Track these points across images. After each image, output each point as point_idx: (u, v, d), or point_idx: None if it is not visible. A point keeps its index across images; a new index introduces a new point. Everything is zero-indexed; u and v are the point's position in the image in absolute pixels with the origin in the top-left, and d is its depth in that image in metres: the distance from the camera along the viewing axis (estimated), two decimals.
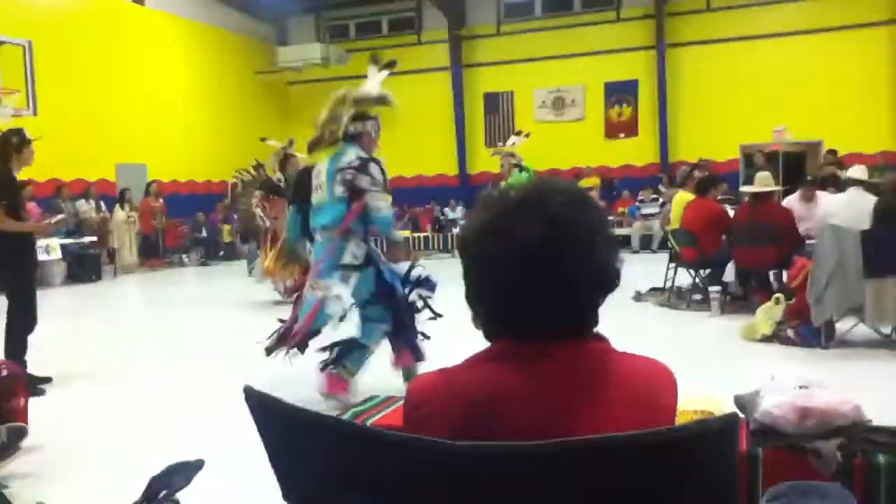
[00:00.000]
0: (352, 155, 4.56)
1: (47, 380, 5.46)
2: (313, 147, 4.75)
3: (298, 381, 5.01)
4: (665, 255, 9.29)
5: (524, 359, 1.15)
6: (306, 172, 4.97)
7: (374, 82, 4.97)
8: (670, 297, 8.20)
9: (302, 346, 4.77)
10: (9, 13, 12.37)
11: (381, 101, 4.89)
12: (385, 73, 5.11)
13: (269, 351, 4.89)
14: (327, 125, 4.66)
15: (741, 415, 3.42)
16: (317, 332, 4.72)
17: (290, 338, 4.73)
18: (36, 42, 12.17)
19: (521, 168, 9.92)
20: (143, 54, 16.40)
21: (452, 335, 5.77)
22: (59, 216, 7.65)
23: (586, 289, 1.17)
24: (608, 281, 1.20)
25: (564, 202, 1.17)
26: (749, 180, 9.25)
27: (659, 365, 1.21)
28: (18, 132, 5.65)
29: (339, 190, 4.52)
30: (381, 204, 4.53)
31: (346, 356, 4.78)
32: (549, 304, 1.15)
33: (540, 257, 1.13)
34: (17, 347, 5.31)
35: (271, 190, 9.23)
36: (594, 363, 1.16)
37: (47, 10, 14.06)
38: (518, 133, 11.18)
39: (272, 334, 5.02)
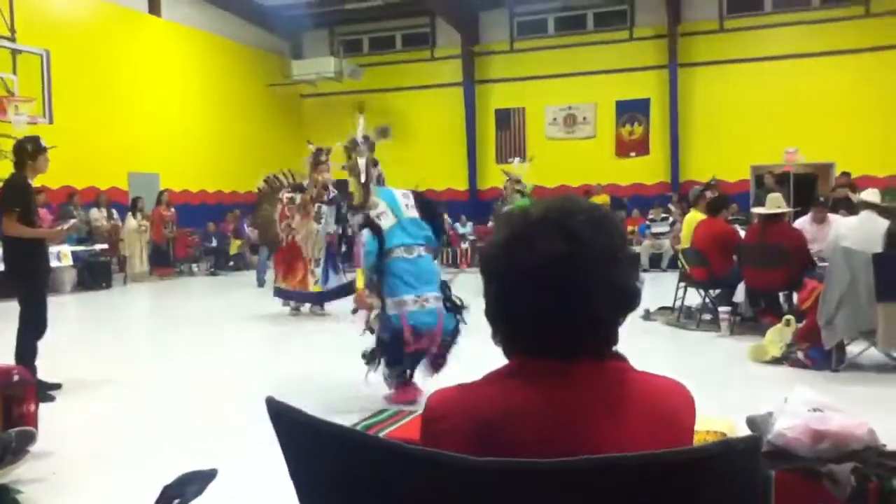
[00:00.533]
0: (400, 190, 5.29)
1: (57, 386, 5.47)
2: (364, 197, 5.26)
3: (307, 390, 5.02)
4: (674, 274, 9.27)
5: (540, 377, 1.15)
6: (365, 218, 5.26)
7: (360, 127, 5.56)
8: (679, 316, 8.17)
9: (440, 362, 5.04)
10: (28, 23, 12.51)
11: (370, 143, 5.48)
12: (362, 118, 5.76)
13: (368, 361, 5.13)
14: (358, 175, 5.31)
15: None
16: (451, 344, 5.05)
17: (433, 356, 5.02)
18: (53, 51, 12.30)
19: (522, 194, 10.42)
20: (158, 65, 16.54)
21: (473, 351, 5.81)
22: (71, 221, 7.69)
23: (605, 307, 1.17)
24: (627, 300, 1.20)
25: (585, 220, 1.17)
26: (759, 201, 9.24)
27: (677, 385, 1.21)
28: (34, 140, 5.71)
29: (414, 213, 5.15)
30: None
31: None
32: (567, 322, 1.15)
33: (559, 275, 1.13)
34: (27, 353, 5.32)
35: (317, 199, 9.12)
36: (612, 382, 1.16)
37: (65, 21, 14.21)
38: (529, 159, 11.49)
39: (370, 352, 5.11)
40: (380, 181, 5.39)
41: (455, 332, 5.03)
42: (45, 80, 12.09)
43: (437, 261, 5.44)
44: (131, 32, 15.87)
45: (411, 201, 5.20)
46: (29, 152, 5.51)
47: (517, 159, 11.36)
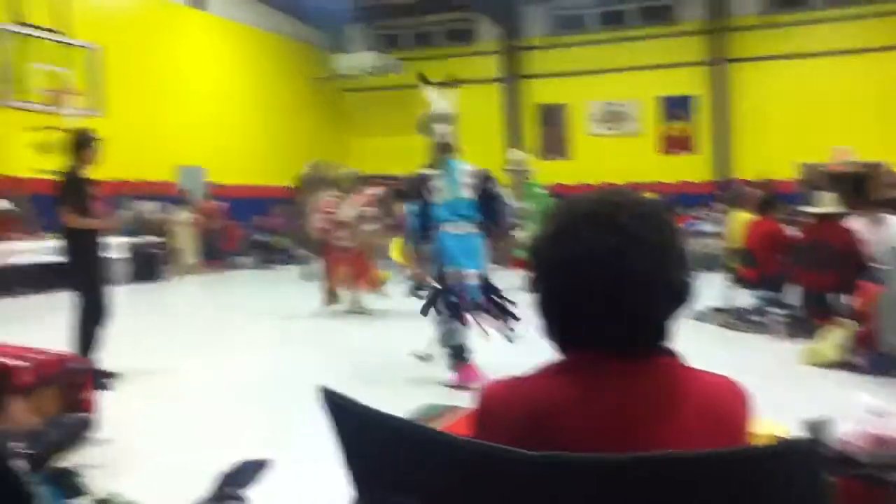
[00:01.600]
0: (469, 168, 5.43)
1: (114, 375, 5.56)
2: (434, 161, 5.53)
3: (354, 385, 5.05)
4: (722, 275, 9.13)
5: (592, 372, 1.15)
6: (420, 179, 5.53)
7: (441, 99, 5.76)
8: (730, 318, 8.04)
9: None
10: (81, 19, 12.76)
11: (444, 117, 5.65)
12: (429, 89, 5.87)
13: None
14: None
15: None
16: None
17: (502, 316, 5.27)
18: (105, 46, 12.55)
19: (531, 183, 10.38)
20: (205, 59, 16.80)
21: (524, 345, 5.80)
22: (120, 212, 7.83)
23: (655, 302, 1.16)
24: (679, 296, 1.19)
25: (634, 214, 1.16)
26: (809, 200, 9.05)
27: (732, 382, 1.19)
28: (81, 131, 5.85)
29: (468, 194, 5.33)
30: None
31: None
32: (617, 318, 1.14)
33: (608, 269, 1.13)
34: (87, 342, 5.40)
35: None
36: (664, 379, 1.15)
37: (116, 16, 14.49)
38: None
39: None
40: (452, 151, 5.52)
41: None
42: (97, 75, 12.33)
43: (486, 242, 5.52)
44: (180, 27, 16.13)
45: (468, 179, 5.34)
46: (79, 145, 5.64)
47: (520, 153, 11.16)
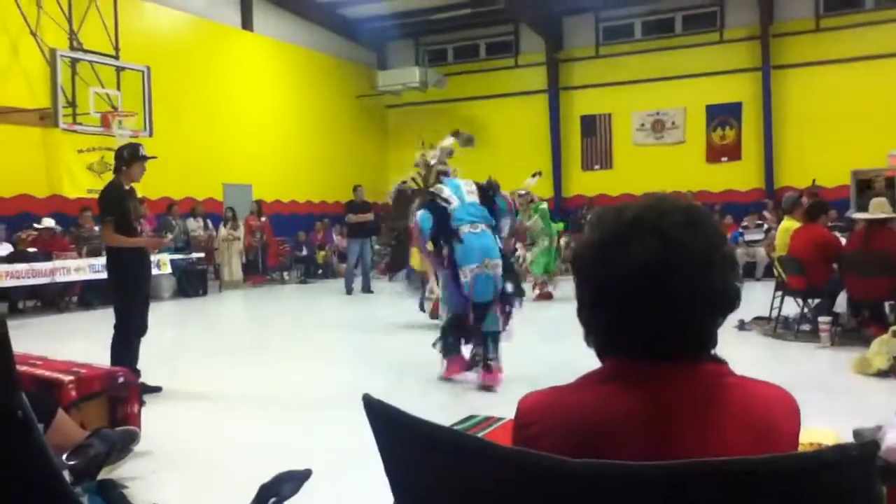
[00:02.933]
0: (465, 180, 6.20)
1: (157, 389, 5.62)
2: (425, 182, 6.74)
3: (397, 397, 5.06)
4: (769, 283, 8.95)
5: (635, 381, 1.13)
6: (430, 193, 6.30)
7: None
8: (776, 327, 7.87)
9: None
10: (131, 41, 13.11)
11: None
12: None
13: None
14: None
15: None
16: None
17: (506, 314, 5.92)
18: (153, 67, 12.86)
19: (534, 203, 11.35)
20: (251, 78, 17.09)
21: (564, 354, 5.77)
22: (170, 235, 7.93)
23: (702, 309, 1.13)
24: (726, 301, 1.16)
25: (681, 220, 1.14)
26: (862, 207, 8.83)
27: (780, 391, 1.16)
28: (131, 147, 5.75)
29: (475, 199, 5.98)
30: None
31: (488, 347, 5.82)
32: (663, 324, 1.12)
33: (654, 275, 1.10)
34: (125, 356, 5.34)
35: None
36: (709, 386, 1.12)
37: (165, 38, 14.85)
38: (534, 175, 11.96)
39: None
40: (449, 174, 6.41)
41: (512, 296, 5.97)
42: (146, 95, 12.65)
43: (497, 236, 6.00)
44: (225, 47, 16.46)
45: (472, 188, 5.99)
46: (125, 159, 5.57)
47: (528, 178, 11.59)
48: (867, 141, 15.54)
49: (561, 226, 12.19)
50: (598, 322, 1.20)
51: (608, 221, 1.19)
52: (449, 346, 5.95)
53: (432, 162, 6.77)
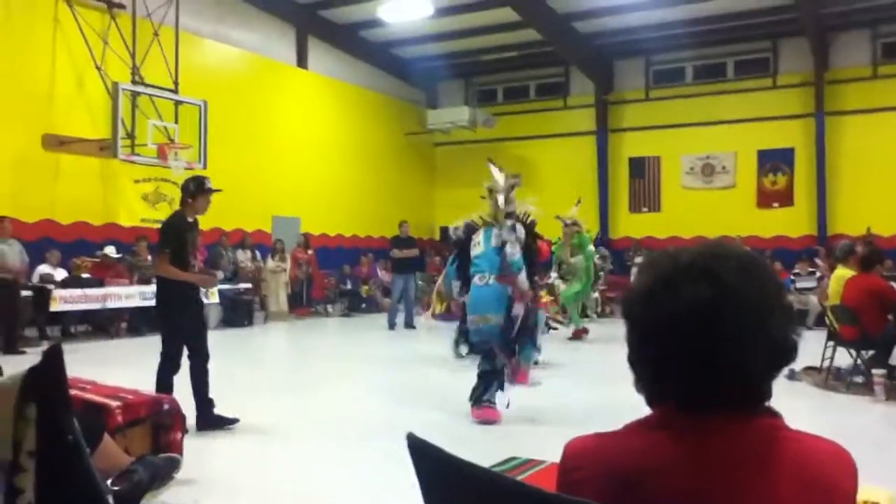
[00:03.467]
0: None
1: (235, 420, 5.60)
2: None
3: (434, 435, 5.03)
4: (821, 332, 8.73)
5: (684, 431, 1.10)
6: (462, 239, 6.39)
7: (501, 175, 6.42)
8: (828, 378, 7.66)
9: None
10: (189, 76, 13.51)
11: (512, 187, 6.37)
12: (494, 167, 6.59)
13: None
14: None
15: None
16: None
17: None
18: (210, 101, 13.23)
19: (581, 235, 11.15)
20: (303, 114, 17.44)
21: (615, 399, 5.70)
22: (220, 274, 7.98)
23: (755, 359, 1.10)
24: (782, 353, 1.13)
25: (735, 267, 1.12)
26: None
27: (838, 448, 1.12)
28: (198, 180, 5.82)
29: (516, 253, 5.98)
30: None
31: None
32: (714, 374, 1.09)
33: (706, 323, 1.08)
34: (163, 389, 5.30)
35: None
36: (763, 441, 1.09)
37: (221, 73, 15.26)
38: (577, 203, 11.79)
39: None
40: (511, 217, 6.15)
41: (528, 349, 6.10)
42: (202, 128, 12.98)
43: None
44: (280, 83, 16.84)
45: (512, 236, 5.94)
46: (191, 191, 5.65)
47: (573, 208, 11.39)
48: None
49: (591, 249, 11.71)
50: (646, 367, 1.18)
51: (662, 265, 1.17)
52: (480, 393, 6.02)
53: (501, 204, 6.24)
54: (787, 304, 1.15)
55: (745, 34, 17.58)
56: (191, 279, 5.74)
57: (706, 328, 1.09)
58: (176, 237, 5.62)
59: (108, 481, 3.30)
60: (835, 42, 17.13)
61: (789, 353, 1.14)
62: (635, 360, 1.19)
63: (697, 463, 1.08)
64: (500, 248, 5.94)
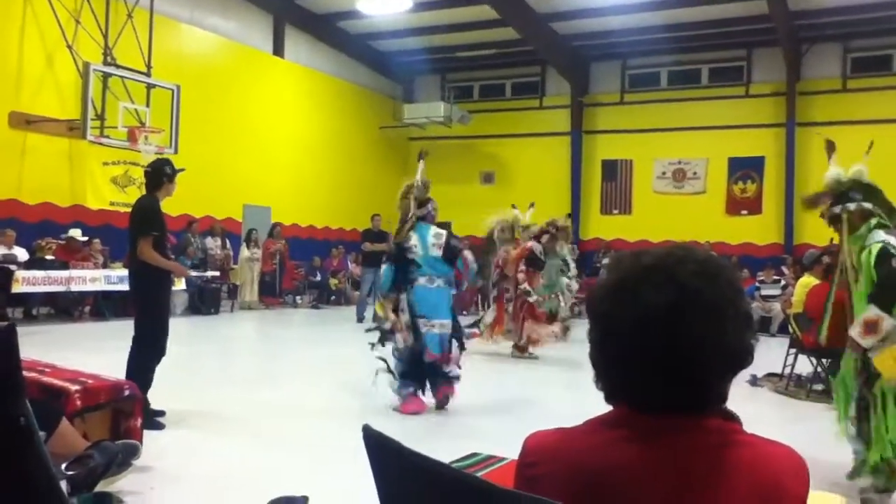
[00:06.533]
0: (436, 231, 6.33)
1: (161, 413, 5.43)
2: (399, 232, 6.47)
3: (394, 426, 5.02)
4: (784, 339, 8.87)
5: (642, 431, 1.11)
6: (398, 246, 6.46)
7: (419, 172, 6.61)
8: (788, 384, 7.78)
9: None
10: (163, 59, 13.32)
11: (426, 185, 6.51)
12: (422, 163, 6.78)
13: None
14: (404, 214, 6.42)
15: None
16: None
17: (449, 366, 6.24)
18: (183, 86, 13.07)
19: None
20: (278, 103, 17.31)
21: (577, 394, 5.73)
22: (192, 273, 7.89)
23: (712, 362, 1.11)
24: (738, 357, 1.14)
25: (698, 270, 1.13)
26: None
27: (790, 452, 1.13)
28: (170, 162, 5.71)
29: (438, 252, 6.24)
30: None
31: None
32: (672, 376, 1.10)
33: (664, 325, 1.09)
34: (139, 377, 5.14)
35: (532, 264, 9.93)
36: (717, 444, 1.10)
37: (196, 58, 15.08)
38: (531, 205, 11.67)
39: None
40: (428, 219, 6.38)
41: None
42: (174, 113, 12.83)
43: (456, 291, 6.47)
44: (255, 71, 16.69)
45: (440, 241, 6.23)
46: (167, 174, 5.53)
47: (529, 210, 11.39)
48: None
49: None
50: (607, 366, 1.18)
51: (626, 265, 1.18)
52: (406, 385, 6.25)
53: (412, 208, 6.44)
54: (746, 309, 1.16)
55: (721, 42, 17.78)
56: (170, 267, 5.68)
57: (667, 329, 1.09)
58: (160, 222, 5.52)
59: (63, 466, 3.24)
60: (807, 54, 17.39)
61: (746, 357, 1.15)
62: (596, 358, 1.20)
63: (654, 463, 1.09)
64: (449, 254, 6.21)
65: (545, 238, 10.24)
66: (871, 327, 3.95)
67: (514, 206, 11.34)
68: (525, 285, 9.76)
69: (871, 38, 16.82)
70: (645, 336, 1.10)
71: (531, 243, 10.04)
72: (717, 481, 1.07)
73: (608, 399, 1.19)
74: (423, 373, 6.24)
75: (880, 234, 4.18)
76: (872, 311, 3.98)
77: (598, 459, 1.11)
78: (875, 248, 4.12)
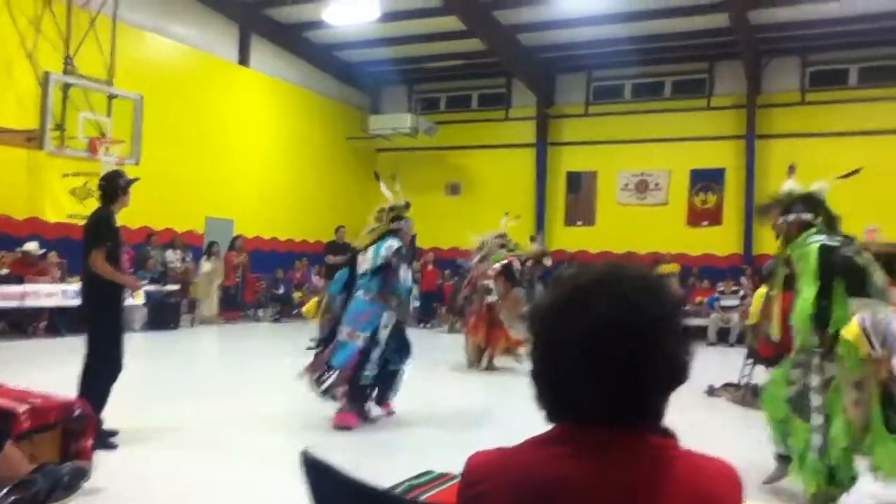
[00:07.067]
0: (394, 243, 6.34)
1: (115, 433, 5.32)
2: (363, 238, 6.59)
3: (350, 442, 4.99)
4: (742, 350, 8.99)
5: (582, 447, 1.13)
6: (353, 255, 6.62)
7: (389, 193, 6.74)
8: (746, 395, 7.88)
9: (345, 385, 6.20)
10: (126, 69, 13.14)
11: (405, 206, 6.67)
12: (383, 186, 6.89)
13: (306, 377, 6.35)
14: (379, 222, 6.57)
15: None
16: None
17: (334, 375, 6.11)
18: (146, 96, 12.91)
19: (508, 248, 10.74)
20: (242, 113, 17.16)
21: (515, 413, 5.74)
22: (144, 284, 7.83)
23: (652, 379, 1.14)
24: (676, 373, 1.16)
25: (639, 287, 1.15)
26: None
27: (725, 465, 1.16)
28: (123, 174, 5.67)
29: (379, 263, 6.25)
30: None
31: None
32: (611, 391, 1.12)
33: (606, 340, 1.11)
34: (94, 395, 5.04)
35: (510, 279, 10.04)
36: (654, 459, 1.12)
37: (160, 68, 14.87)
38: (516, 217, 11.68)
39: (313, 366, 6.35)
40: (399, 234, 6.45)
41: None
42: (136, 123, 12.66)
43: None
44: (220, 81, 16.53)
45: (377, 255, 6.26)
46: (122, 186, 5.48)
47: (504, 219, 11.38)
48: (847, 214, 15.65)
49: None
50: (547, 382, 1.19)
51: (567, 282, 1.20)
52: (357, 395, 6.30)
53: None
54: (683, 325, 1.19)
55: (684, 55, 18.04)
56: (123, 280, 5.60)
57: (607, 346, 1.11)
58: (113, 234, 5.46)
59: (3, 491, 3.17)
60: (767, 67, 17.70)
61: (684, 372, 1.17)
62: (538, 375, 1.20)
63: (598, 478, 1.10)
64: (383, 268, 6.24)
65: (530, 263, 10.35)
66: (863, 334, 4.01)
67: (506, 214, 11.35)
68: (488, 283, 9.73)
69: (829, 53, 17.17)
70: (587, 350, 1.12)
71: (514, 258, 10.13)
72: (659, 495, 1.09)
73: (550, 417, 1.20)
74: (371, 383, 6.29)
75: (816, 237, 4.34)
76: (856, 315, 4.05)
77: (543, 475, 1.12)
78: (813, 248, 4.30)
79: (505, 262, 10.07)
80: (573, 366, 1.14)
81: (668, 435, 1.16)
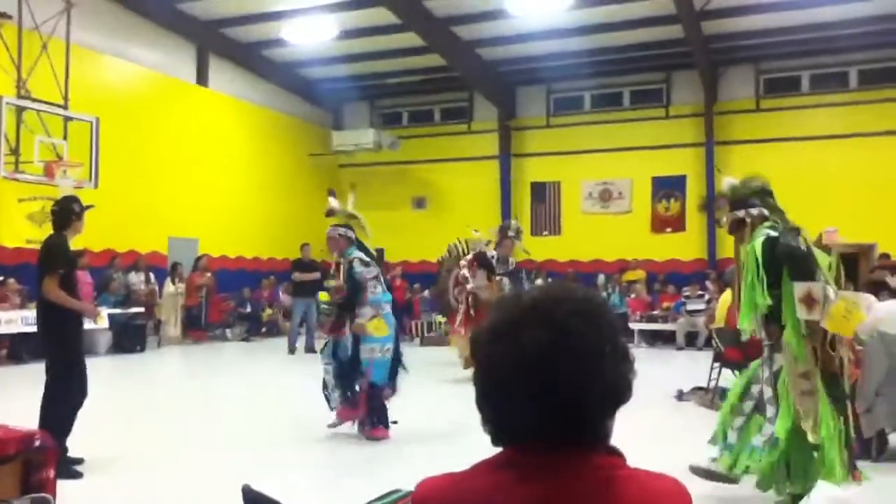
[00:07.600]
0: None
1: (79, 461, 5.22)
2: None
3: (328, 459, 4.93)
4: (710, 354, 9.09)
5: (527, 471, 1.12)
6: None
7: (337, 205, 7.48)
8: (713, 398, 7.96)
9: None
10: (81, 91, 12.98)
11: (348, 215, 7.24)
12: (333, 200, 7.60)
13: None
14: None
15: None
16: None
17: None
18: (102, 118, 12.75)
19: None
20: (203, 133, 16.99)
21: (460, 439, 5.70)
22: (104, 313, 7.91)
23: (593, 400, 1.13)
24: (617, 394, 1.16)
25: (574, 310, 1.15)
26: None
27: (674, 484, 1.16)
28: (78, 200, 5.58)
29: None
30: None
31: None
32: (553, 415, 1.12)
33: (544, 365, 1.11)
34: (53, 424, 4.88)
35: (486, 267, 10.03)
36: (602, 479, 1.12)
37: (116, 90, 14.71)
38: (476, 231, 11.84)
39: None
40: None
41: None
42: (94, 146, 12.49)
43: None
44: (178, 101, 16.38)
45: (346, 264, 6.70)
46: (76, 213, 5.41)
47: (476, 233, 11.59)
48: (803, 217, 15.77)
49: None
50: (490, 408, 1.19)
51: (505, 307, 1.20)
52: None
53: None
54: (623, 345, 1.19)
55: (641, 66, 18.30)
56: (78, 307, 5.46)
57: (545, 369, 1.11)
58: (68, 260, 5.37)
59: None
60: (723, 76, 18.06)
61: (625, 392, 1.17)
62: (480, 401, 1.20)
63: (541, 502, 1.09)
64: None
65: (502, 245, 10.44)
66: (808, 301, 4.07)
67: (475, 231, 11.61)
68: (465, 272, 9.82)
69: (781, 60, 17.57)
70: (522, 374, 1.12)
71: (485, 248, 10.37)
72: None
73: (494, 442, 1.19)
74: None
75: (763, 231, 4.41)
76: (799, 287, 4.10)
77: (487, 500, 1.11)
78: (759, 240, 4.35)
79: (476, 251, 10.24)
80: (510, 391, 1.14)
81: (614, 454, 1.17)
